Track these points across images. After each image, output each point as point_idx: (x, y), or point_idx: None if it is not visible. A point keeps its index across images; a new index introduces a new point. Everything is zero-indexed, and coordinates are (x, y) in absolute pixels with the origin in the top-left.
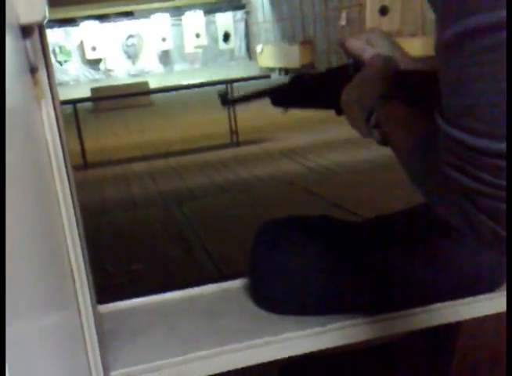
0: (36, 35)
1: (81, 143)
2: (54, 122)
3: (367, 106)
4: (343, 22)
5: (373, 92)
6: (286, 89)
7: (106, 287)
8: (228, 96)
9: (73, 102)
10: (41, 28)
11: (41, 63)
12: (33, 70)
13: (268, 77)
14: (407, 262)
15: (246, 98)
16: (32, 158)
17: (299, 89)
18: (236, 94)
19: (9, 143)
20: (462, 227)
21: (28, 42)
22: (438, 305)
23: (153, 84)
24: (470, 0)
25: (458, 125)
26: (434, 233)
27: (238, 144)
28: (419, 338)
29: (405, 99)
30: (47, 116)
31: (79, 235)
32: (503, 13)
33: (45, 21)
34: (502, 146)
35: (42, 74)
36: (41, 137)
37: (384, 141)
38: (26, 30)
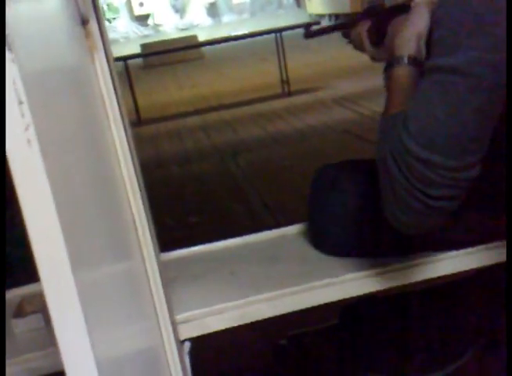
0: None
1: (134, 100)
2: (108, 75)
3: (395, 52)
4: None
5: (405, 47)
6: (358, 21)
7: (165, 240)
8: (310, 29)
9: (124, 58)
10: None
11: (91, 14)
12: (84, 22)
13: (319, 23)
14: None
15: (327, 30)
16: (90, 109)
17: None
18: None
19: (68, 92)
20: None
21: None
22: (497, 243)
23: (202, 37)
24: (440, 46)
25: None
26: None
27: (290, 94)
28: (482, 277)
29: None
30: (100, 68)
31: (139, 187)
32: (439, 61)
33: None
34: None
35: (93, 26)
36: (96, 90)
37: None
38: None
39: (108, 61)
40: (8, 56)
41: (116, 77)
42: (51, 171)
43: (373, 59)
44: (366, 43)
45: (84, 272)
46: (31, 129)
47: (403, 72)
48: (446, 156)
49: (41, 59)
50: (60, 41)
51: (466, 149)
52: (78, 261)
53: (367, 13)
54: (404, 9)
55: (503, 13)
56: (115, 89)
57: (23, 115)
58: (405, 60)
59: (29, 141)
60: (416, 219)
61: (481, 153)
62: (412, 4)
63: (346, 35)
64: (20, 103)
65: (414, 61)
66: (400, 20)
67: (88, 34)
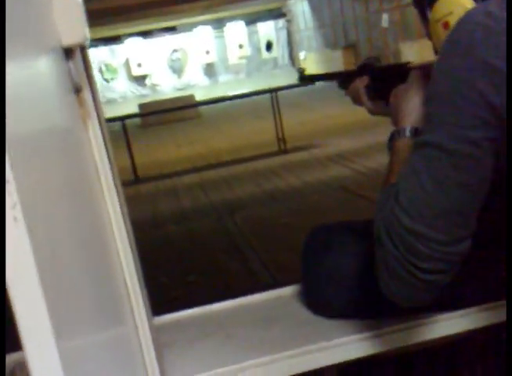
0: (78, 56)
1: (132, 158)
2: (101, 140)
3: (398, 123)
4: (385, 24)
5: (407, 119)
6: (353, 75)
7: (163, 300)
8: (304, 73)
9: (122, 118)
10: (83, 49)
11: (84, 83)
12: (77, 91)
13: (313, 83)
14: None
15: (320, 77)
16: (82, 176)
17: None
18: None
19: (58, 162)
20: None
21: (71, 63)
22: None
23: (199, 96)
24: (428, 121)
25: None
26: None
27: (286, 151)
28: (478, 337)
29: None
30: (93, 135)
31: (131, 249)
32: (427, 137)
33: (87, 42)
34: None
35: (87, 94)
36: (89, 155)
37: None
38: (68, 52)
39: (101, 127)
40: None
41: (109, 142)
42: (37, 247)
43: (371, 112)
44: (364, 98)
45: (69, 342)
46: (18, 207)
47: (405, 144)
48: (435, 229)
49: (31, 130)
50: (52, 111)
51: (453, 222)
52: (63, 332)
53: (364, 69)
54: (400, 69)
55: (487, 97)
56: (108, 154)
57: (10, 194)
58: (407, 133)
59: (15, 219)
60: (407, 292)
61: (469, 227)
62: (411, 73)
63: (343, 87)
64: (7, 181)
65: (416, 132)
66: (402, 90)
67: (81, 102)
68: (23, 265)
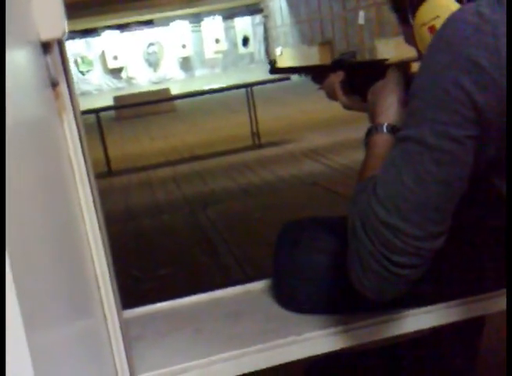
0: (56, 50)
1: (105, 151)
2: (75, 134)
3: (375, 120)
4: (361, 21)
5: (385, 115)
6: (327, 69)
7: (134, 293)
8: (276, 65)
9: (96, 111)
10: (60, 43)
11: (61, 77)
12: (54, 84)
13: (288, 79)
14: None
15: (291, 70)
16: (56, 168)
17: (338, 71)
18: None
19: (31, 155)
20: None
21: (49, 57)
22: (465, 299)
23: (175, 90)
24: (411, 116)
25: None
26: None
27: (260, 146)
28: (444, 333)
29: None
30: (68, 128)
31: (103, 242)
32: (409, 131)
33: (65, 36)
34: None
35: (63, 88)
36: (63, 148)
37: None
38: (46, 46)
39: (76, 120)
40: None
41: (83, 135)
42: (10, 238)
43: (346, 107)
44: (339, 93)
45: (38, 333)
46: None
47: (381, 139)
48: (410, 223)
49: (9, 122)
50: (29, 105)
51: (429, 218)
52: (33, 324)
53: (339, 65)
54: (377, 65)
55: (471, 96)
56: (82, 146)
57: None
58: (384, 129)
59: None
60: (379, 285)
61: (445, 224)
62: (389, 70)
63: (316, 81)
64: None
65: (393, 129)
66: (379, 87)
67: (57, 96)
68: None
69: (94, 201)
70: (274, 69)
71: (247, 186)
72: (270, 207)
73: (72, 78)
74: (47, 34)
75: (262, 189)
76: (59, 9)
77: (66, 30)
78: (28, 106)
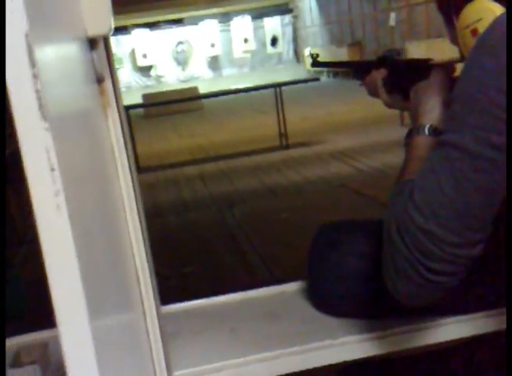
0: (102, 47)
1: (134, 148)
2: (119, 129)
3: (417, 120)
4: (392, 23)
5: (427, 117)
6: (370, 65)
7: (159, 290)
8: (318, 59)
9: (126, 108)
10: (106, 40)
11: (106, 73)
12: (99, 80)
13: (317, 79)
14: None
15: (333, 64)
16: (101, 162)
17: (381, 68)
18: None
19: (79, 149)
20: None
21: (95, 53)
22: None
23: (203, 89)
24: (452, 121)
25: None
26: None
27: (287, 147)
28: (478, 344)
29: None
30: (112, 123)
31: (143, 238)
32: (449, 136)
33: (111, 33)
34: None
35: (108, 84)
36: (107, 143)
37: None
38: (93, 42)
39: (120, 116)
40: (42, 124)
41: (126, 130)
42: (77, 236)
43: (387, 105)
44: (382, 91)
45: (98, 321)
46: (61, 195)
47: (423, 141)
48: (448, 230)
49: (66, 121)
50: (80, 98)
51: (468, 225)
52: (95, 313)
53: (383, 62)
54: (422, 65)
55: None
56: (125, 141)
57: (54, 182)
58: (426, 131)
59: (58, 206)
60: (414, 291)
61: (484, 232)
62: (433, 71)
63: (358, 77)
64: (52, 170)
65: (435, 131)
66: (423, 87)
67: (102, 92)
68: (65, 254)
69: (136, 197)
70: (316, 62)
71: (274, 187)
72: (296, 209)
73: (116, 75)
74: (94, 31)
75: (289, 190)
76: (106, 6)
77: (113, 27)
78: (80, 98)
